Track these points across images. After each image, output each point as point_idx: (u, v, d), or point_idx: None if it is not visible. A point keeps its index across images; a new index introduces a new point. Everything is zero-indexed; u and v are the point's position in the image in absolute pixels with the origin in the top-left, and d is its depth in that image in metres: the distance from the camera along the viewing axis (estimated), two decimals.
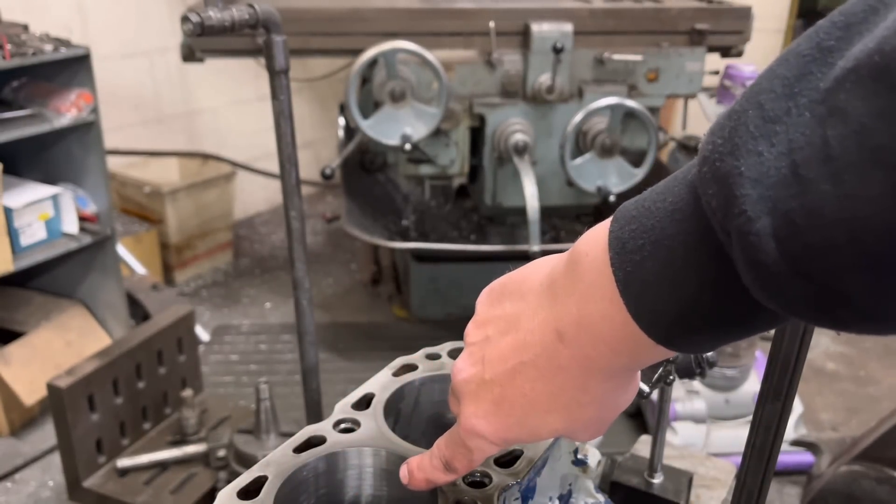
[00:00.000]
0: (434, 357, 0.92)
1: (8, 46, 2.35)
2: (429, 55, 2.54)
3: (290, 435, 0.92)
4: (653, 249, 0.46)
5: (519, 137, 2.73)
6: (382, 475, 0.79)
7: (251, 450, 1.89)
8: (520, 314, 0.56)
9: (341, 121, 3.14)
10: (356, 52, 2.62)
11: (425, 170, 2.91)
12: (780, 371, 0.79)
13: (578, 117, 2.65)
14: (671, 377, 1.13)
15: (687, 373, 1.40)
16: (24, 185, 2.60)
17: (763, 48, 4.04)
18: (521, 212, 2.69)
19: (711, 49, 2.88)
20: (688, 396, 2.43)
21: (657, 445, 1.07)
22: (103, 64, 3.32)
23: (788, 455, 2.42)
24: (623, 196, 2.84)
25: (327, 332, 3.23)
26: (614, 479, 1.09)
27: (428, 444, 0.80)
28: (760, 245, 0.38)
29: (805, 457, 2.40)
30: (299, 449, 0.77)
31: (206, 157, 3.93)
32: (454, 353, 0.94)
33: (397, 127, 2.65)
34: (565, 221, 3.29)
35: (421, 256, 3.24)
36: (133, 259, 3.15)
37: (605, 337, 0.50)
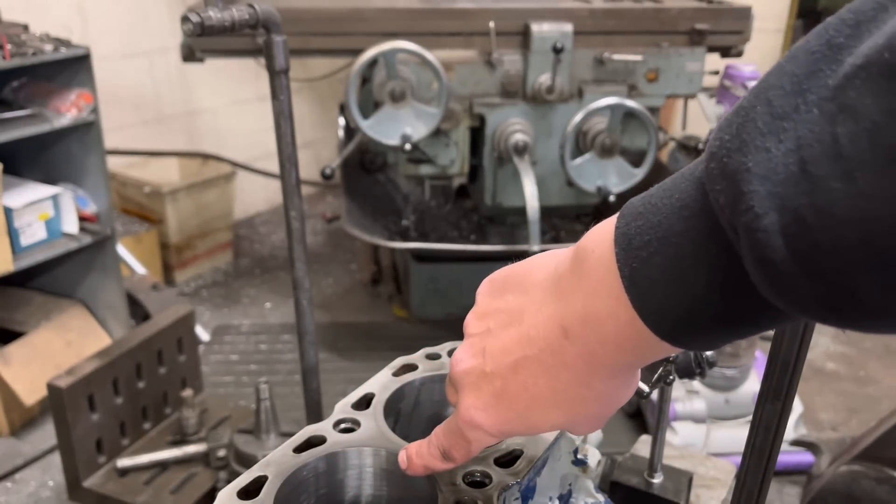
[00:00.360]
0: (434, 357, 0.92)
1: (8, 46, 2.35)
2: (429, 55, 2.54)
3: (290, 435, 0.92)
4: (660, 246, 0.46)
5: (519, 137, 2.73)
6: (382, 475, 0.79)
7: (251, 450, 1.89)
8: (523, 308, 0.56)
9: (341, 121, 3.14)
10: (356, 52, 2.62)
11: (425, 170, 2.91)
12: (780, 371, 0.79)
13: (578, 117, 2.65)
14: (671, 377, 1.13)
15: (687, 373, 1.40)
16: (24, 185, 2.60)
17: (763, 48, 4.04)
18: (521, 212, 2.69)
19: (711, 49, 2.88)
20: (688, 396, 2.44)
21: (657, 445, 1.07)
22: (103, 64, 3.32)
23: (788, 455, 2.42)
24: (623, 196, 2.84)
25: (327, 332, 3.24)
26: (614, 478, 1.09)
27: None
28: (768, 242, 0.38)
29: (805, 457, 2.40)
30: (299, 449, 0.77)
31: (206, 157, 3.93)
32: (454, 353, 0.95)
33: (397, 127, 2.65)
34: (565, 221, 3.29)
35: (421, 256, 3.24)
36: (133, 259, 3.15)
37: (611, 334, 0.50)
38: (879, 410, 2.75)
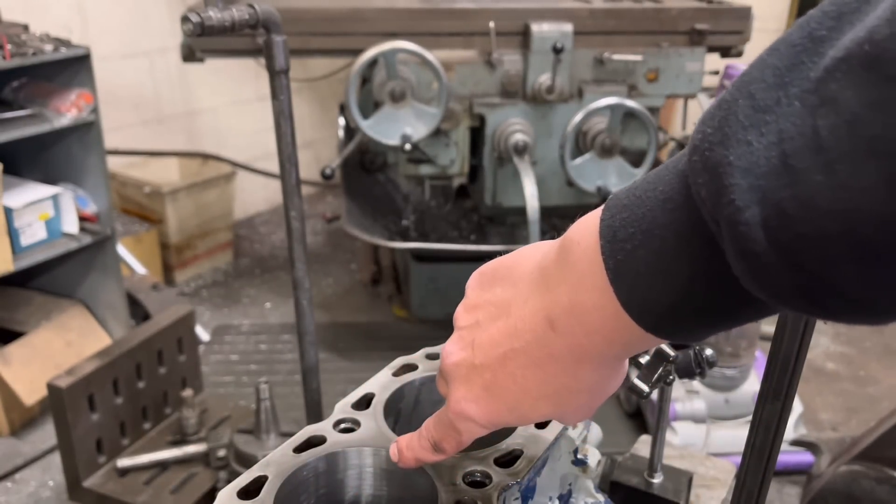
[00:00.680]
0: (434, 357, 0.92)
1: (8, 46, 2.35)
2: (429, 55, 2.54)
3: (290, 435, 0.92)
4: (644, 238, 0.46)
5: (519, 137, 2.73)
6: (382, 475, 0.79)
7: (251, 450, 1.89)
8: (511, 300, 0.56)
9: (341, 121, 3.14)
10: (356, 53, 2.62)
11: (425, 170, 2.91)
12: (780, 371, 0.79)
13: (578, 117, 2.65)
14: (671, 377, 1.13)
15: (687, 373, 1.40)
16: (24, 185, 2.60)
17: (763, 48, 4.04)
18: (521, 212, 2.69)
19: (711, 49, 2.88)
20: (688, 396, 2.44)
21: (657, 445, 1.07)
22: (103, 64, 3.32)
23: (788, 455, 2.42)
24: None
25: (327, 332, 3.24)
26: (614, 478, 1.09)
27: None
28: (750, 235, 0.38)
29: (805, 456, 2.40)
30: (299, 449, 0.77)
31: (206, 157, 3.93)
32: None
33: (397, 127, 2.65)
34: (565, 221, 3.28)
35: (421, 256, 3.24)
36: (133, 259, 3.15)
37: (597, 326, 0.50)
38: (879, 410, 2.75)
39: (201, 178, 3.70)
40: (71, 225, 2.63)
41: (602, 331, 0.50)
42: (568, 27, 2.69)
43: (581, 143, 2.79)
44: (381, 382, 0.87)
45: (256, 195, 4.48)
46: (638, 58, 2.77)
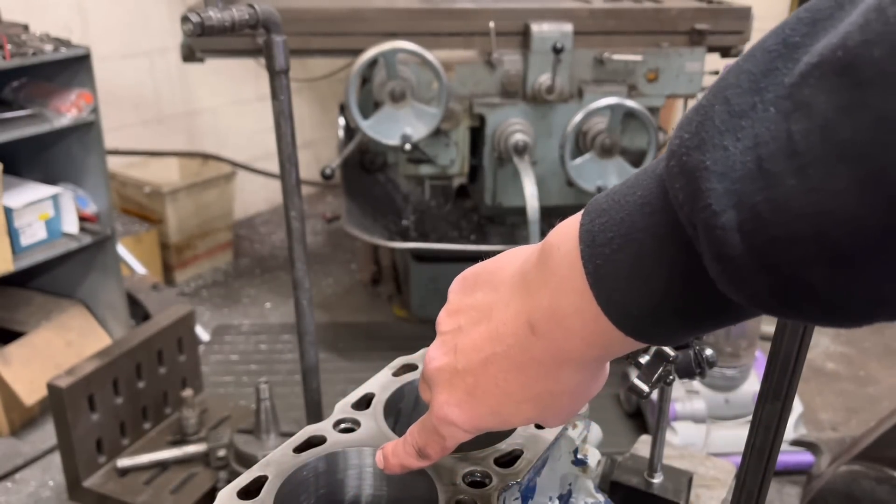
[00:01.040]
0: None
1: (8, 46, 2.35)
2: (429, 55, 2.54)
3: (290, 435, 0.92)
4: (622, 242, 0.46)
5: (519, 137, 2.73)
6: (382, 475, 0.79)
7: (251, 449, 1.89)
8: (492, 305, 0.57)
9: (341, 121, 3.14)
10: (356, 53, 2.62)
11: (425, 170, 2.91)
12: (780, 371, 0.79)
13: (578, 117, 2.65)
14: (671, 377, 1.13)
15: (687, 373, 1.40)
16: (24, 185, 2.60)
17: None
18: (521, 212, 2.69)
19: (711, 49, 2.88)
20: (687, 396, 2.44)
21: (657, 445, 1.07)
22: (103, 64, 3.32)
23: (788, 455, 2.42)
24: None
25: (327, 332, 3.24)
26: (614, 478, 1.09)
27: None
28: (726, 238, 0.39)
29: (805, 456, 2.40)
30: (299, 449, 0.77)
31: (206, 157, 3.93)
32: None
33: (397, 127, 2.65)
34: None
35: (421, 256, 3.24)
36: (133, 259, 3.15)
37: (578, 330, 0.50)
38: (879, 410, 2.76)
39: (201, 178, 3.70)
40: (71, 225, 2.63)
41: (582, 334, 0.50)
42: (568, 27, 2.69)
43: (581, 143, 2.79)
44: (381, 382, 0.87)
45: (256, 195, 4.48)
46: (638, 58, 2.77)
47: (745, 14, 2.88)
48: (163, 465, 2.04)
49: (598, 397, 2.58)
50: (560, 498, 0.88)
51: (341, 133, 3.15)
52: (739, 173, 0.38)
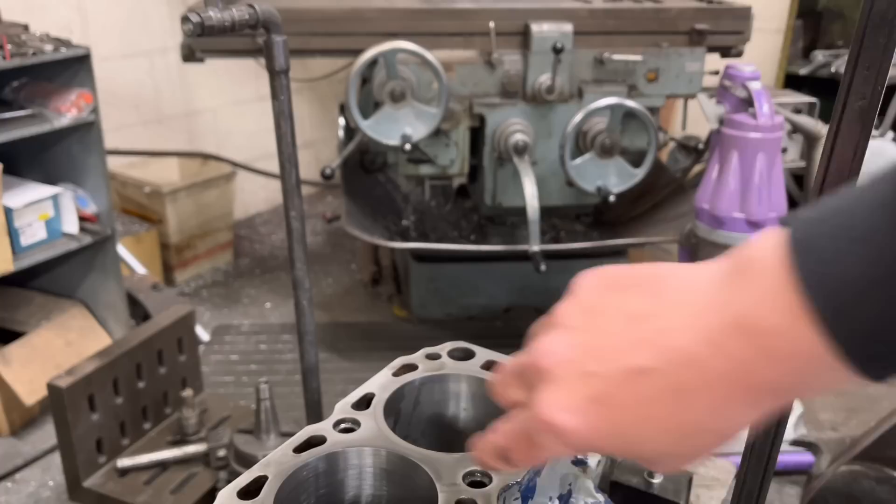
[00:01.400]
0: (434, 357, 0.92)
1: (8, 46, 2.35)
2: (429, 55, 2.54)
3: (290, 435, 0.92)
4: (853, 247, 0.40)
5: (519, 137, 2.73)
6: (382, 475, 0.79)
7: (251, 450, 1.89)
8: (651, 313, 0.49)
9: (341, 121, 3.14)
10: (356, 53, 2.62)
11: (425, 170, 2.91)
12: None
13: (578, 117, 2.65)
14: None
15: None
16: (24, 185, 2.60)
17: (762, 48, 4.04)
18: (521, 212, 2.69)
19: (711, 49, 2.89)
20: None
21: None
22: (103, 64, 3.32)
23: (788, 455, 2.42)
24: (622, 196, 2.84)
25: (327, 332, 3.24)
26: (614, 478, 1.09)
27: (428, 444, 0.80)
28: None
29: (805, 457, 2.40)
30: (299, 449, 0.77)
31: (206, 157, 3.93)
32: (454, 353, 0.95)
33: (397, 127, 2.65)
34: (565, 221, 3.29)
35: (421, 256, 3.24)
36: (133, 259, 3.15)
37: (778, 354, 0.43)
38: (879, 410, 2.75)
39: (201, 178, 3.70)
40: (71, 225, 2.63)
41: (784, 360, 0.43)
42: (568, 27, 2.70)
43: (581, 143, 2.79)
44: (381, 382, 0.87)
45: (256, 195, 4.48)
46: (638, 58, 2.77)
47: (744, 14, 2.88)
48: (163, 465, 2.04)
49: None
50: (560, 498, 0.88)
51: (341, 133, 3.16)
52: None
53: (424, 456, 0.76)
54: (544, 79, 2.72)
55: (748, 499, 0.86)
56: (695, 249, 2.40)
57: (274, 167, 1.84)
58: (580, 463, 0.90)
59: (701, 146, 3.07)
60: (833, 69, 3.97)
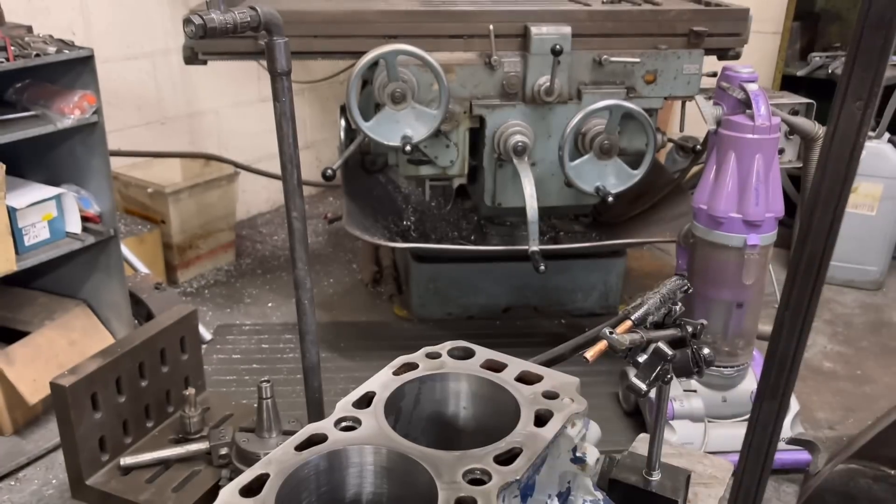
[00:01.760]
0: (434, 356, 0.94)
1: (12, 48, 2.36)
2: (429, 57, 2.55)
3: (291, 433, 0.93)
4: None
5: (518, 139, 2.74)
6: (383, 473, 0.80)
7: (253, 448, 1.90)
8: None
9: (342, 122, 3.15)
10: (357, 55, 2.63)
11: (425, 170, 2.92)
12: (777, 370, 0.81)
13: (577, 119, 2.66)
14: (669, 376, 1.14)
15: (685, 371, 1.41)
16: (27, 185, 2.61)
17: (760, 50, 4.04)
18: (521, 212, 2.70)
19: (709, 51, 2.89)
20: (686, 395, 2.45)
21: (655, 444, 1.08)
22: (106, 66, 3.33)
23: (785, 453, 2.43)
24: (620, 196, 2.86)
25: (328, 332, 3.25)
26: (613, 476, 1.11)
27: (428, 442, 0.81)
28: None
29: (802, 455, 2.42)
30: (301, 447, 0.78)
31: (208, 157, 3.94)
32: (454, 353, 0.96)
33: (398, 128, 2.67)
34: (564, 222, 3.30)
35: (421, 256, 3.25)
36: (136, 259, 3.16)
37: None
38: (876, 409, 2.77)
39: (204, 178, 3.72)
40: (74, 225, 2.64)
41: None
42: (567, 29, 2.71)
43: (580, 144, 2.80)
44: (382, 381, 0.89)
45: (258, 196, 4.49)
46: (636, 60, 2.78)
47: (742, 16, 2.89)
48: (165, 464, 2.05)
49: (596, 396, 2.61)
50: (559, 496, 0.89)
51: (342, 134, 3.17)
52: None
53: (425, 454, 0.78)
54: (543, 80, 2.73)
55: (746, 497, 0.88)
56: (692, 249, 2.42)
57: (276, 168, 1.85)
58: (579, 461, 0.92)
59: (698, 147, 3.08)
60: (830, 71, 3.99)
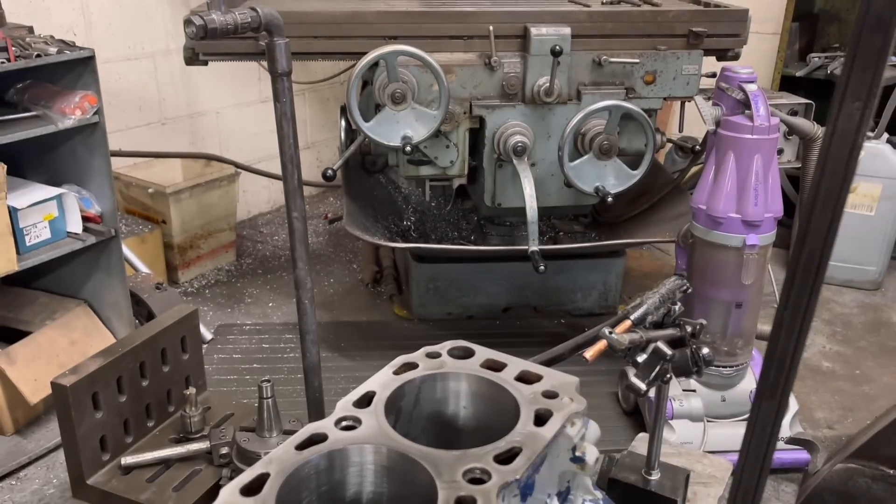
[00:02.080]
0: (434, 356, 0.94)
1: (13, 49, 2.37)
2: (429, 58, 2.56)
3: (292, 433, 0.94)
4: None
5: (518, 139, 2.75)
6: (383, 472, 0.81)
7: (254, 447, 1.91)
8: None
9: (343, 123, 3.16)
10: (357, 55, 2.64)
11: (426, 171, 2.93)
12: (776, 369, 0.81)
13: (576, 119, 2.67)
14: (668, 375, 1.15)
15: (684, 371, 1.42)
16: (28, 185, 2.62)
17: (759, 51, 4.05)
18: (521, 212, 2.71)
19: (708, 52, 2.90)
20: (685, 395, 2.45)
21: (655, 443, 1.09)
22: (107, 66, 3.34)
23: (784, 453, 2.44)
24: (620, 197, 2.86)
25: (329, 332, 3.26)
26: (612, 476, 1.11)
27: (428, 442, 0.82)
28: None
29: (801, 454, 2.42)
30: (301, 446, 0.79)
31: (209, 158, 3.95)
32: (454, 352, 0.96)
33: (398, 129, 2.67)
34: (564, 222, 3.31)
35: (421, 256, 3.26)
36: (137, 259, 3.17)
37: None
38: (875, 409, 2.78)
39: (204, 179, 3.72)
40: (75, 225, 2.65)
41: None
42: (566, 30, 2.71)
43: (579, 144, 2.81)
44: (382, 381, 0.89)
45: (259, 196, 4.50)
46: (635, 60, 2.78)
47: (741, 16, 2.89)
48: (166, 463, 2.05)
49: (596, 395, 2.62)
50: (558, 495, 0.90)
51: (342, 135, 3.17)
52: None
53: (425, 453, 0.78)
54: (543, 81, 2.74)
55: (745, 496, 0.88)
56: (692, 250, 2.43)
57: (276, 168, 1.86)
58: (578, 460, 0.92)
59: (698, 147, 3.09)
60: (829, 71, 3.99)
